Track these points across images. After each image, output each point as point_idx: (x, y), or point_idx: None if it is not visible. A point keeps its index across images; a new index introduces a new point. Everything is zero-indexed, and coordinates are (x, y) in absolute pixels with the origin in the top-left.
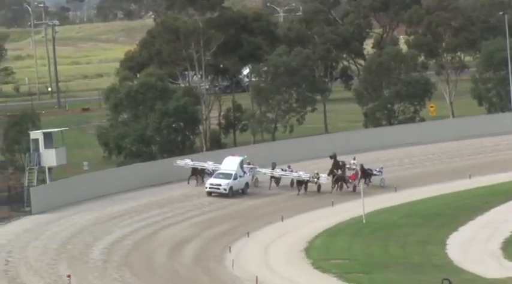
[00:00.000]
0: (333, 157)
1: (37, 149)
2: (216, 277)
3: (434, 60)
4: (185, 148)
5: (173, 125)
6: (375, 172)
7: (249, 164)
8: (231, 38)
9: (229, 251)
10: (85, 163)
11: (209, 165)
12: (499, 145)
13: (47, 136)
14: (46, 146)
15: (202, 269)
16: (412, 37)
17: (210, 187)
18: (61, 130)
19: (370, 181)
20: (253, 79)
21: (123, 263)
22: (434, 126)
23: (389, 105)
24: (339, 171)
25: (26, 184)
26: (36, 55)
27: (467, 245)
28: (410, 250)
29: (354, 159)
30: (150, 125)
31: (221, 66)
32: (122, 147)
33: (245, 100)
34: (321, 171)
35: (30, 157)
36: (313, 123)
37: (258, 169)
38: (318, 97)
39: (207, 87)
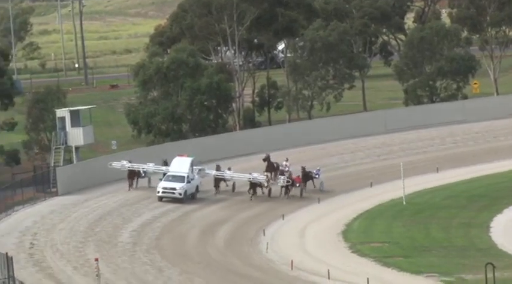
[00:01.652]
0: (267, 159)
1: (63, 128)
2: (250, 261)
3: (478, 35)
4: (217, 127)
5: (205, 103)
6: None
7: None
8: (266, 11)
9: (264, 234)
10: (113, 142)
11: (149, 167)
12: None
13: (74, 114)
14: (73, 124)
15: (235, 253)
16: (455, 10)
17: (163, 192)
18: (88, 108)
19: (308, 186)
20: (288, 55)
21: (153, 246)
22: (478, 104)
23: (431, 82)
24: (273, 173)
25: (52, 164)
26: (62, 30)
27: (511, 228)
28: (453, 233)
29: (287, 160)
30: (180, 103)
31: (255, 41)
32: (152, 126)
33: (280, 77)
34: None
35: (56, 136)
36: (351, 100)
37: (207, 171)
38: (356, 73)
39: (241, 63)
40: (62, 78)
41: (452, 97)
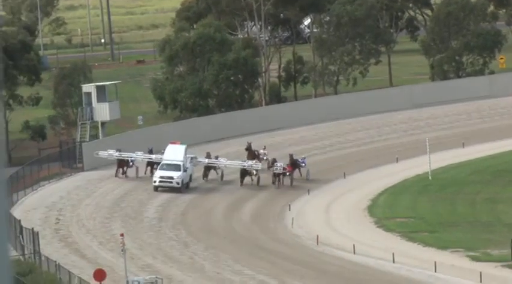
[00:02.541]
0: (248, 148)
1: (89, 103)
2: (275, 236)
3: (504, 10)
4: (244, 102)
5: (231, 78)
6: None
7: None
8: None
9: (289, 209)
10: (140, 117)
11: (138, 156)
12: None
13: (100, 90)
14: (99, 100)
15: (260, 228)
16: None
17: (160, 181)
18: (115, 84)
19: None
20: (314, 30)
21: (178, 222)
22: (505, 79)
23: (457, 57)
24: (255, 160)
25: (78, 139)
26: (89, 5)
27: None
28: (478, 208)
29: (264, 148)
30: (207, 78)
31: (281, 16)
32: (178, 101)
33: (306, 52)
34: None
35: (83, 111)
36: (377, 75)
37: (199, 159)
38: (383, 48)
39: (267, 38)
40: (88, 53)
41: (478, 72)
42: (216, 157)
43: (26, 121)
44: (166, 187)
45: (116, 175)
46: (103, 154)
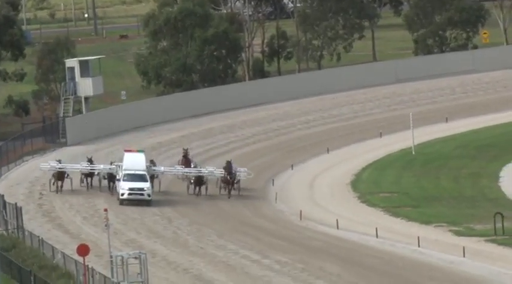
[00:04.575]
0: (185, 155)
1: (73, 78)
2: (259, 212)
3: None
4: (227, 77)
5: (215, 53)
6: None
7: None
8: None
9: (273, 184)
10: (123, 92)
11: (83, 167)
12: None
13: (84, 65)
14: (82, 75)
15: (244, 204)
16: None
17: (129, 193)
18: (98, 58)
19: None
20: (298, 4)
21: (163, 198)
22: (488, 54)
23: (440, 32)
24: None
25: (61, 114)
26: None
27: None
28: (462, 183)
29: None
30: (191, 53)
31: None
32: (162, 76)
33: (290, 27)
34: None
35: (66, 86)
36: (360, 50)
37: (156, 168)
38: (366, 23)
39: (250, 13)
40: (71, 28)
41: (462, 47)
42: (152, 161)
43: (10, 96)
44: (134, 201)
45: (56, 189)
46: (44, 166)
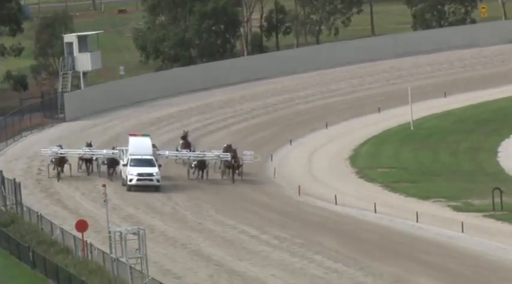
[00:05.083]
0: (185, 137)
1: (71, 53)
2: (258, 187)
3: None
4: (225, 52)
5: (213, 28)
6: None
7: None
8: None
9: (271, 159)
10: (121, 67)
11: (85, 152)
12: None
13: (82, 40)
14: (81, 50)
15: (242, 179)
16: None
17: (138, 179)
18: (96, 33)
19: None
20: None
21: (161, 172)
22: (486, 28)
23: (439, 6)
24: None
25: (59, 89)
26: None
27: None
28: (461, 157)
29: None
30: (189, 28)
31: None
32: (160, 51)
33: (288, 2)
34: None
35: (64, 61)
36: (359, 25)
37: (160, 153)
38: None
39: None
40: (69, 3)
41: (460, 22)
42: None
43: (8, 71)
44: (143, 187)
45: (56, 176)
46: (45, 151)
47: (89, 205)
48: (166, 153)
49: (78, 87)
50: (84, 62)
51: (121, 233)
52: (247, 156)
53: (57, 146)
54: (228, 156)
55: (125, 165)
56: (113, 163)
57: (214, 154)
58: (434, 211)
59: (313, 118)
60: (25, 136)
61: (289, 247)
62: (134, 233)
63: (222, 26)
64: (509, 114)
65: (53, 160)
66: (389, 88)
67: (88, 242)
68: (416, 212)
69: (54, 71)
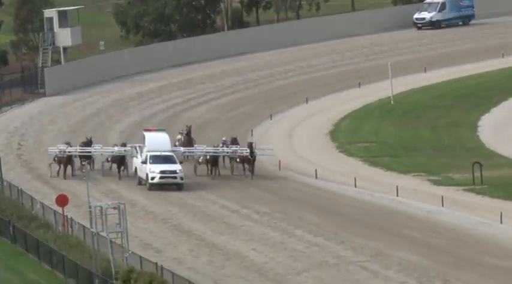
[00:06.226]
0: (188, 133)
1: (51, 28)
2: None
3: None
4: (206, 27)
5: (193, 3)
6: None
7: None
8: None
9: (251, 134)
10: (101, 42)
11: (97, 149)
12: None
13: (62, 15)
14: (61, 25)
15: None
16: None
17: (161, 177)
18: (77, 9)
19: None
20: None
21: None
22: None
23: None
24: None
25: (39, 65)
26: None
27: (499, 127)
28: (441, 132)
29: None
30: (169, 3)
31: None
32: (140, 26)
33: None
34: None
35: (44, 36)
36: (339, 0)
37: (175, 149)
38: None
39: None
40: None
41: None
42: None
43: None
44: (166, 185)
45: (63, 175)
46: (52, 150)
47: (70, 180)
48: (182, 149)
49: (58, 62)
50: (65, 37)
51: (101, 207)
52: (266, 150)
53: (65, 144)
54: (247, 151)
55: (144, 163)
56: (121, 161)
57: (232, 150)
58: (414, 185)
59: (294, 94)
60: (5, 111)
61: (269, 222)
62: (114, 208)
63: (202, 1)
64: (489, 89)
65: (56, 159)
66: (369, 64)
67: (68, 217)
68: (396, 186)
69: (34, 46)
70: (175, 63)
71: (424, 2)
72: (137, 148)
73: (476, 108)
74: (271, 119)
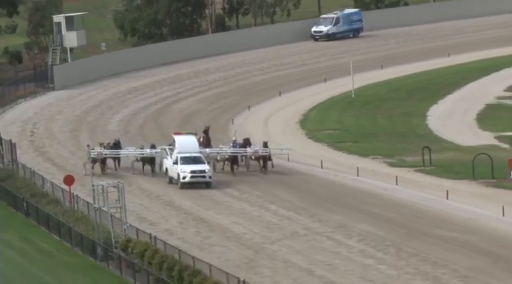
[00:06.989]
0: (206, 131)
1: (60, 31)
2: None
3: None
4: (193, 31)
5: (182, 9)
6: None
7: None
8: None
9: (232, 123)
10: (103, 44)
11: (130, 152)
12: (476, 25)
13: (69, 20)
14: (68, 29)
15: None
16: None
17: (192, 176)
18: (81, 15)
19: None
20: None
21: (138, 134)
22: (418, 9)
23: None
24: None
25: (49, 63)
26: None
27: (445, 117)
28: (396, 121)
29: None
30: (161, 10)
31: None
32: (136, 30)
33: None
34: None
35: (54, 38)
36: (308, 7)
37: (201, 150)
38: None
39: None
40: None
41: (395, 4)
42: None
43: (6, 47)
44: (197, 183)
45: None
46: (93, 153)
47: (76, 162)
48: (207, 150)
49: (65, 60)
50: (71, 39)
51: (103, 186)
52: (284, 150)
53: (101, 147)
54: (267, 151)
55: (175, 163)
56: (151, 161)
57: (253, 150)
58: (373, 166)
59: (269, 88)
60: (20, 103)
61: (248, 198)
62: (114, 187)
63: (189, 8)
64: (437, 83)
65: (90, 158)
66: (333, 62)
67: (74, 194)
68: (357, 167)
69: (44, 47)
70: (166, 62)
71: (320, 16)
72: (167, 150)
73: (425, 100)
74: (249, 110)
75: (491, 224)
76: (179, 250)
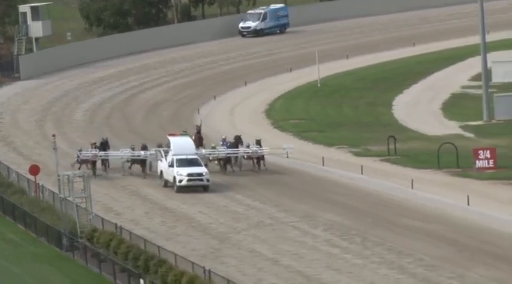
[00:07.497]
0: (198, 131)
1: (25, 21)
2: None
3: None
4: (159, 20)
5: None
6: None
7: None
8: None
9: (198, 113)
10: (68, 33)
11: (125, 153)
12: (441, 15)
13: (34, 10)
14: (33, 19)
15: (175, 128)
16: None
17: (189, 179)
18: (47, 4)
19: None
20: None
21: (104, 124)
22: (381, 0)
23: None
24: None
25: (15, 53)
26: None
27: (410, 106)
28: (361, 110)
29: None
30: None
31: None
32: (102, 19)
33: None
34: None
35: (19, 28)
36: None
37: (198, 151)
38: None
39: None
40: None
41: None
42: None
43: None
44: (194, 187)
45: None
46: (86, 154)
47: (42, 152)
48: (203, 151)
49: (31, 50)
50: (37, 29)
51: (68, 176)
52: (287, 149)
53: (94, 149)
54: (267, 151)
55: (171, 166)
56: (143, 162)
57: (252, 150)
58: (338, 156)
59: (234, 78)
60: None
61: (213, 188)
62: (80, 177)
63: None
64: (402, 73)
65: (79, 160)
66: (299, 52)
67: (40, 184)
68: (323, 157)
69: (10, 36)
70: (132, 51)
71: (247, 12)
72: (162, 151)
73: (390, 89)
74: (215, 100)
75: (456, 214)
76: (145, 239)
